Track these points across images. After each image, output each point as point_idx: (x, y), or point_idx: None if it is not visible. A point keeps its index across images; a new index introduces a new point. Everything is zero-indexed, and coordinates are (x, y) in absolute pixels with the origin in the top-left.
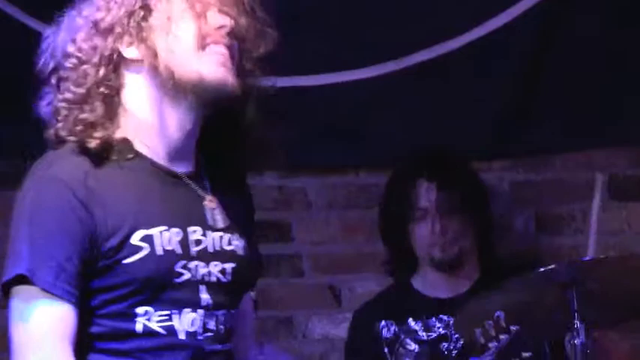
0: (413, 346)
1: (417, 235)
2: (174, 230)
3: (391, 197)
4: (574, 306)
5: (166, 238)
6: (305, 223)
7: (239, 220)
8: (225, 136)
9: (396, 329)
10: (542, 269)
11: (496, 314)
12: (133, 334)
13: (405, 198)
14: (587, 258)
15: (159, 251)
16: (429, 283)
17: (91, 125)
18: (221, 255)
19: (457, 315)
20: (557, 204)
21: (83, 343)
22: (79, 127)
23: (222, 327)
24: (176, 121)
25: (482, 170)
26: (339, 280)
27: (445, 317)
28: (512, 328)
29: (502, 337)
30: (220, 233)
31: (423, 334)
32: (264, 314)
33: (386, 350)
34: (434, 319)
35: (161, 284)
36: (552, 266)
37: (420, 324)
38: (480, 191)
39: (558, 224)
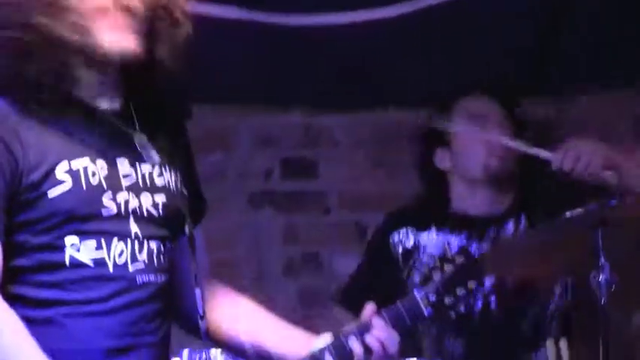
0: (428, 260)
1: (474, 143)
2: (100, 163)
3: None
4: (599, 245)
5: (91, 170)
6: (332, 160)
7: (171, 155)
8: (147, 76)
9: (416, 241)
10: (569, 215)
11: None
12: (61, 266)
13: (453, 105)
14: (613, 202)
15: (83, 184)
16: (462, 199)
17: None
18: (152, 188)
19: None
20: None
21: (11, 276)
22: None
23: (155, 259)
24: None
25: None
26: (365, 217)
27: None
28: (458, 258)
29: (447, 267)
30: (150, 167)
31: (441, 249)
32: (290, 251)
33: (400, 260)
34: (460, 234)
35: (87, 216)
36: (579, 211)
37: (442, 237)
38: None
39: None
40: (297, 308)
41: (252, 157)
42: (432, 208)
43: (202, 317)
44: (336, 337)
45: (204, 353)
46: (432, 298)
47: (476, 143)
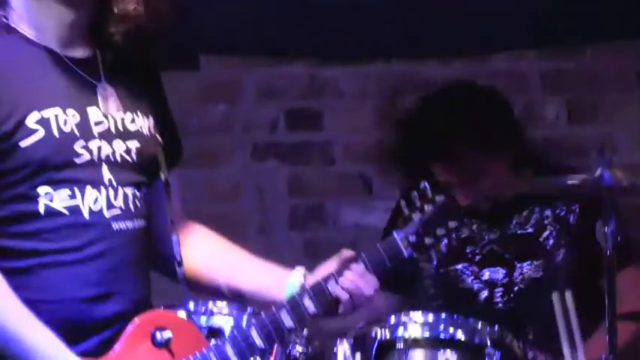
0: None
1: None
2: (71, 112)
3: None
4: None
5: (62, 119)
6: (337, 111)
7: (142, 103)
8: (112, 25)
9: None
10: (570, 181)
11: (422, 185)
12: (35, 216)
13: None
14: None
15: (55, 133)
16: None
17: None
18: (124, 134)
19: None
20: (588, 94)
21: None
22: None
23: (132, 205)
24: (55, 14)
25: (514, 59)
26: (370, 169)
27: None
28: (438, 198)
29: (427, 207)
30: (122, 114)
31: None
32: (296, 202)
33: None
34: (472, 218)
35: (60, 165)
36: (580, 179)
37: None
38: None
39: (589, 114)
40: (302, 260)
41: (257, 108)
42: None
43: (180, 264)
44: (316, 281)
45: (210, 303)
46: (412, 238)
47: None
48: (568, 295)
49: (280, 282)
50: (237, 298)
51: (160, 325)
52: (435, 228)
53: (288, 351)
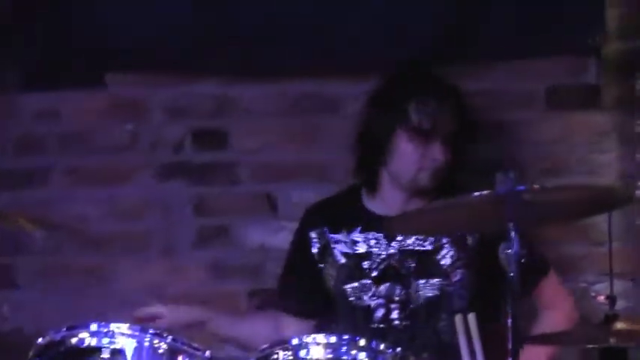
0: (339, 257)
1: (409, 156)
2: None
3: (378, 109)
4: (510, 217)
5: None
6: (243, 130)
7: None
8: None
9: (328, 238)
10: (478, 193)
11: None
12: None
13: (397, 113)
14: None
15: None
16: (383, 201)
17: None
18: None
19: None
20: (496, 112)
21: None
22: None
23: None
24: None
25: None
26: (275, 188)
27: (378, 234)
28: None
29: None
30: None
31: (351, 247)
32: (201, 221)
33: (316, 256)
34: (369, 234)
35: None
36: (488, 192)
37: (353, 237)
38: (472, 121)
39: (496, 133)
40: (207, 281)
41: (163, 127)
42: (347, 205)
43: None
44: None
45: (112, 325)
46: None
47: (409, 156)
48: (471, 317)
49: None
50: None
51: None
52: None
53: None
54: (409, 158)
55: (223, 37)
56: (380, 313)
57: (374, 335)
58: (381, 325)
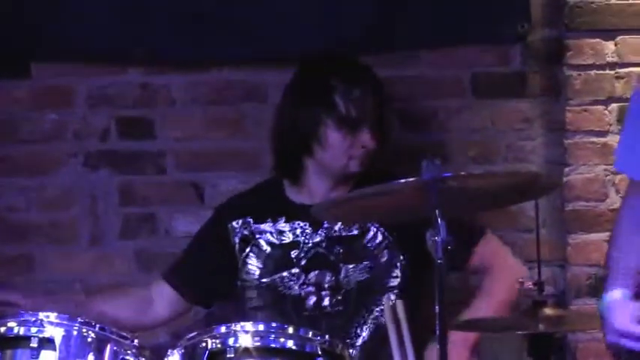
0: (265, 248)
1: (340, 144)
2: None
3: (302, 100)
4: (436, 205)
5: None
6: (168, 119)
7: None
8: None
9: (253, 228)
10: (404, 180)
11: None
12: None
13: (323, 103)
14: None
15: None
16: (307, 190)
17: None
18: None
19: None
20: (421, 101)
21: None
22: None
23: None
24: None
25: None
26: (202, 177)
27: (304, 223)
28: None
29: None
30: None
31: (277, 238)
32: (128, 211)
33: (236, 248)
34: (295, 223)
35: None
36: (413, 179)
37: (278, 227)
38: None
39: (422, 121)
40: (133, 270)
41: (89, 116)
42: (268, 197)
43: None
44: None
45: (40, 314)
46: None
47: (338, 145)
48: (399, 303)
49: None
50: None
51: None
52: None
53: None
54: (339, 147)
55: (146, 26)
56: (311, 301)
57: (307, 324)
58: (314, 313)
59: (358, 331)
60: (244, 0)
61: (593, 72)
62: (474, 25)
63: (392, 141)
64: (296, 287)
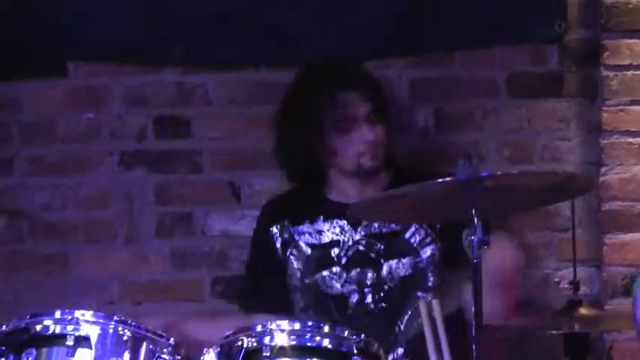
0: (305, 249)
1: (345, 145)
2: None
3: (302, 108)
4: (472, 205)
5: None
6: (204, 119)
7: None
8: None
9: (291, 231)
10: (440, 180)
11: None
12: None
13: (322, 109)
14: (484, 174)
15: None
16: (339, 190)
17: None
18: None
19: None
20: (456, 101)
21: None
22: None
23: None
24: None
25: (381, 67)
26: (238, 177)
27: (342, 221)
28: None
29: None
30: None
31: (316, 237)
32: (164, 210)
33: (279, 251)
34: (334, 222)
35: None
36: (450, 179)
37: (317, 226)
38: (387, 97)
39: (457, 121)
40: (169, 269)
41: (125, 116)
42: (306, 197)
43: None
44: None
45: (76, 312)
46: None
47: (347, 145)
48: (435, 303)
49: None
50: None
51: None
52: None
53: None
54: (345, 149)
55: (183, 24)
56: (354, 298)
57: (351, 322)
58: (357, 311)
59: (402, 328)
60: (280, 2)
61: (629, 72)
62: (510, 25)
63: (396, 135)
64: (338, 286)
